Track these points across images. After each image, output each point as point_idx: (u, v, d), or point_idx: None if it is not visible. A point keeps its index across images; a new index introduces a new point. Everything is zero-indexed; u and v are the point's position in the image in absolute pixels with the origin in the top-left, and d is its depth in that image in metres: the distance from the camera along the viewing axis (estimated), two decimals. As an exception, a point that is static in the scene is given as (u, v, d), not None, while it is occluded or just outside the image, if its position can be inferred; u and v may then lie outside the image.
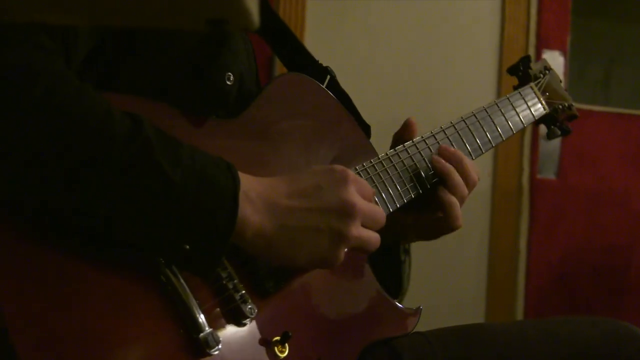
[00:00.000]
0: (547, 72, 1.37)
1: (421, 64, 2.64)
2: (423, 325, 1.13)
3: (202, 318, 0.84)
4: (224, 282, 0.88)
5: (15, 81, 0.74)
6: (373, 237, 0.92)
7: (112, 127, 0.77)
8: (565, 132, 1.39)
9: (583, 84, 3.01)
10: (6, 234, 0.76)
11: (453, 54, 2.69)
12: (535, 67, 1.36)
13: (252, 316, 0.89)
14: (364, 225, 0.91)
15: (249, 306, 0.89)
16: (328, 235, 0.88)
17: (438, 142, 1.12)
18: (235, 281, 0.89)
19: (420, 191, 1.08)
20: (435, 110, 2.62)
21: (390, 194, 1.05)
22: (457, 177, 1.10)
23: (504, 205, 2.78)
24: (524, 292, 2.80)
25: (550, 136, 1.40)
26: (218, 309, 0.87)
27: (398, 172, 1.07)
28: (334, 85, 1.11)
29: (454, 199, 1.10)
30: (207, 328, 0.84)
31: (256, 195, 0.85)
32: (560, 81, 1.39)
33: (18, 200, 0.77)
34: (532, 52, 2.75)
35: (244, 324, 0.89)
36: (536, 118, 1.32)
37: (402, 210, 1.10)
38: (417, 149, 1.10)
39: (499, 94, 2.70)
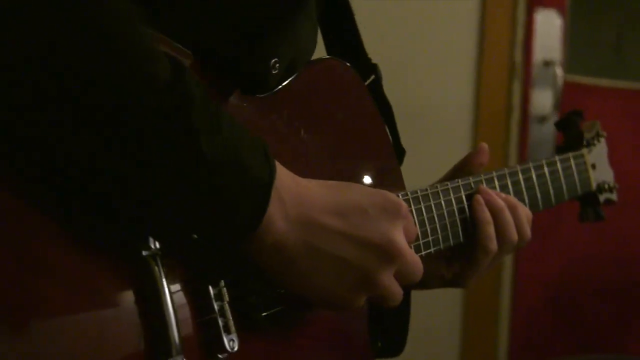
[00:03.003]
0: (600, 139, 1.37)
1: (388, 24, 2.47)
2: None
3: (177, 339, 0.78)
4: (212, 300, 0.83)
5: None
6: (398, 294, 0.88)
7: (155, 65, 0.71)
8: (599, 219, 1.39)
9: (588, 53, 2.77)
10: None
11: (425, 17, 2.52)
12: (586, 128, 1.36)
13: (232, 352, 0.84)
14: (396, 275, 0.87)
15: (232, 338, 0.84)
16: (356, 273, 0.84)
17: (466, 193, 1.11)
18: (225, 303, 0.84)
19: (462, 239, 1.08)
20: (405, 83, 2.47)
21: (428, 235, 1.04)
22: (489, 229, 1.09)
23: (484, 205, 2.45)
24: (509, 317, 2.66)
25: (583, 218, 1.38)
26: (194, 333, 0.82)
27: (443, 212, 1.06)
28: (377, 89, 1.08)
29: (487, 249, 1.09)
30: (178, 354, 0.78)
31: (290, 197, 0.81)
32: (607, 154, 1.40)
33: None
34: (522, 10, 2.54)
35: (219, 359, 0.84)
36: (580, 193, 1.31)
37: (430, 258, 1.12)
38: (451, 193, 1.08)
39: (478, 66, 2.53)
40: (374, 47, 2.36)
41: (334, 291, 0.84)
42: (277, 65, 0.89)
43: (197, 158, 0.73)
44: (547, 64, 2.53)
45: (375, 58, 2.11)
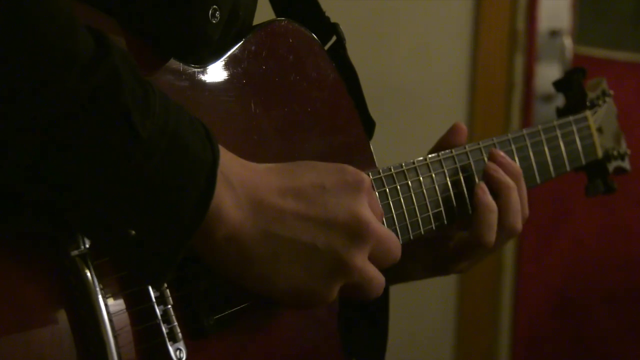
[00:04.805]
0: (605, 99, 1.31)
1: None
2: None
3: (113, 351, 0.76)
4: (153, 304, 0.80)
5: None
6: (376, 279, 0.85)
7: (76, 44, 0.70)
8: (609, 191, 1.33)
9: (601, 21, 2.72)
10: None
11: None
12: (590, 87, 1.31)
13: None
14: (371, 257, 0.84)
15: (178, 347, 0.81)
16: (324, 258, 0.81)
17: (458, 166, 1.08)
18: (168, 307, 0.80)
19: (446, 222, 1.05)
20: (392, 56, 2.39)
21: (405, 219, 1.01)
22: (492, 217, 1.05)
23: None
24: (510, 325, 2.64)
25: (590, 192, 1.32)
26: (134, 343, 0.79)
27: (422, 191, 1.04)
28: (340, 52, 1.03)
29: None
30: None
31: (239, 182, 0.78)
32: (617, 115, 1.35)
33: None
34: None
35: None
36: (584, 163, 1.27)
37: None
38: (442, 165, 1.06)
39: (474, 36, 2.48)
40: (358, 14, 2.18)
41: (303, 284, 0.82)
42: (218, 13, 0.87)
43: (129, 139, 0.72)
44: (554, 33, 2.48)
45: (360, 26, 2.00)
